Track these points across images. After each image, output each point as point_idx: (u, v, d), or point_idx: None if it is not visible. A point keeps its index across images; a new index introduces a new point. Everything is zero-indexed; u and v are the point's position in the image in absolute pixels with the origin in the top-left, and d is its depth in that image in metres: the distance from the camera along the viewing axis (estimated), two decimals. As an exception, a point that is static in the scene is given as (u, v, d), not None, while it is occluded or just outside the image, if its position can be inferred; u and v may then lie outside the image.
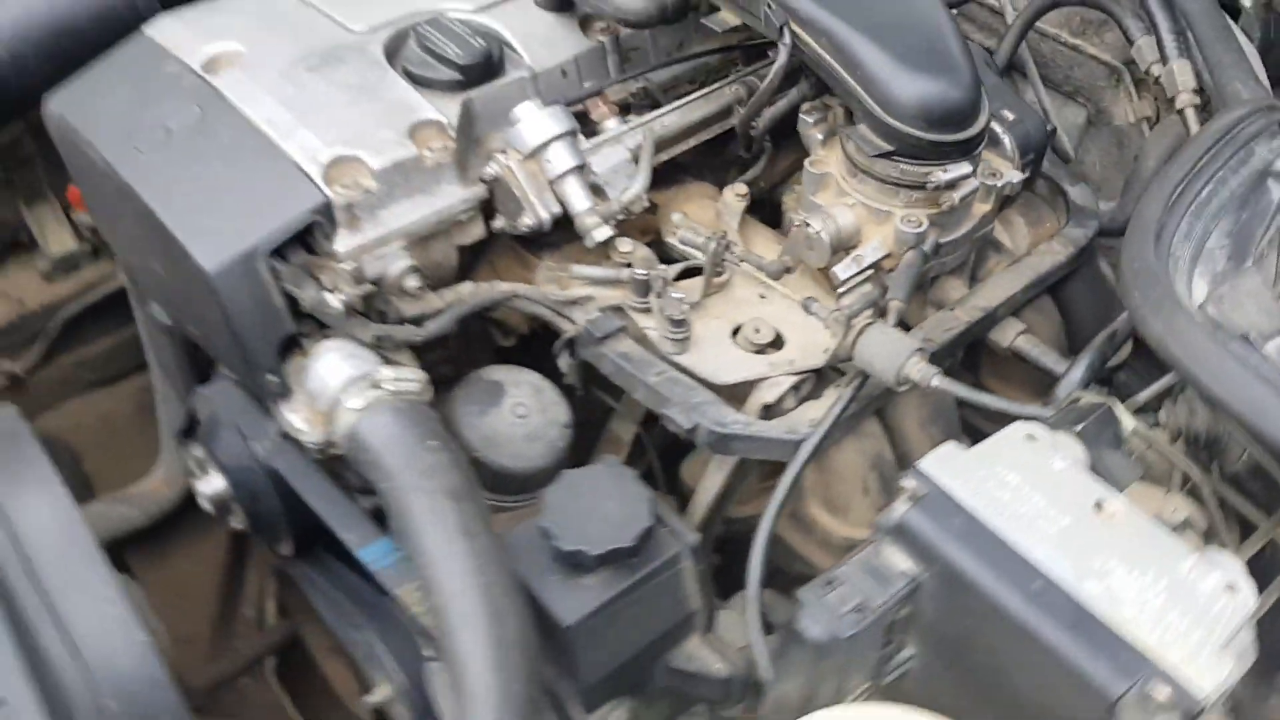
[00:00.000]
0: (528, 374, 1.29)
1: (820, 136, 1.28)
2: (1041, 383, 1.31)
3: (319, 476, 1.23)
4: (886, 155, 1.18)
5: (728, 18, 1.33)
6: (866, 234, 1.22)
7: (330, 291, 1.15)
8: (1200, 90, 1.34)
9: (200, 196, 1.17)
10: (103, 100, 1.31)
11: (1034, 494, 0.86)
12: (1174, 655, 0.77)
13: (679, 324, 1.17)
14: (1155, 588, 0.80)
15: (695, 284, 1.26)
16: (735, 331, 1.23)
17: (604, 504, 1.06)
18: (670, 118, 1.34)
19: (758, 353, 1.21)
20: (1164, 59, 1.36)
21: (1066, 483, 0.88)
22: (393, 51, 1.32)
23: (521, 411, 1.26)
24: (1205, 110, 1.33)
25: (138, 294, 1.56)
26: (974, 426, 1.32)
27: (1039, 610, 0.80)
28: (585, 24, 1.39)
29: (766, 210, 1.41)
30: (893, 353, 1.07)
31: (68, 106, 1.32)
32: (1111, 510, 0.86)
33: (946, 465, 0.86)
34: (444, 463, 1.04)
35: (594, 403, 1.33)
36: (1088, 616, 0.79)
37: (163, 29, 1.35)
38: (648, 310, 1.23)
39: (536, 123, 1.23)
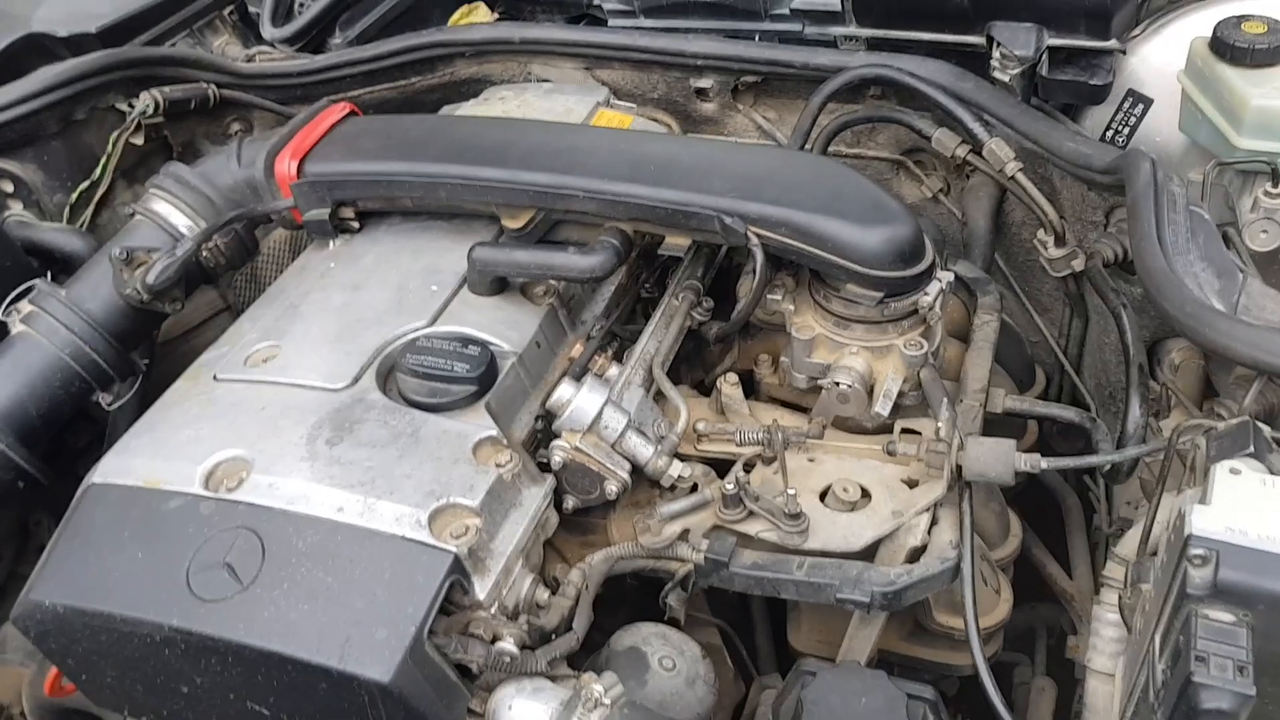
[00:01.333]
0: (642, 627, 1.33)
1: (792, 308, 1.44)
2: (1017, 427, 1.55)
3: None
4: (882, 301, 1.35)
5: (677, 242, 1.45)
6: (878, 371, 1.39)
7: (497, 641, 1.14)
8: (1017, 157, 1.63)
9: (322, 615, 1.11)
10: (106, 568, 1.20)
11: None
12: None
13: (797, 517, 1.27)
14: None
15: (766, 475, 1.37)
16: (822, 498, 1.34)
17: (858, 704, 1.13)
18: (650, 344, 1.44)
19: (852, 510, 1.33)
20: (977, 141, 1.65)
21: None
22: (388, 392, 1.32)
23: (668, 664, 1.30)
24: (1029, 172, 1.63)
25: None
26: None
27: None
28: (526, 291, 1.46)
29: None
30: (999, 456, 1.24)
31: (61, 591, 1.20)
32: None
33: (1212, 521, 0.99)
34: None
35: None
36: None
37: (114, 471, 1.27)
38: (747, 517, 1.31)
39: (585, 399, 1.29)
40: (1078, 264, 1.65)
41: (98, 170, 1.72)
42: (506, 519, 1.22)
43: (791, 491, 1.28)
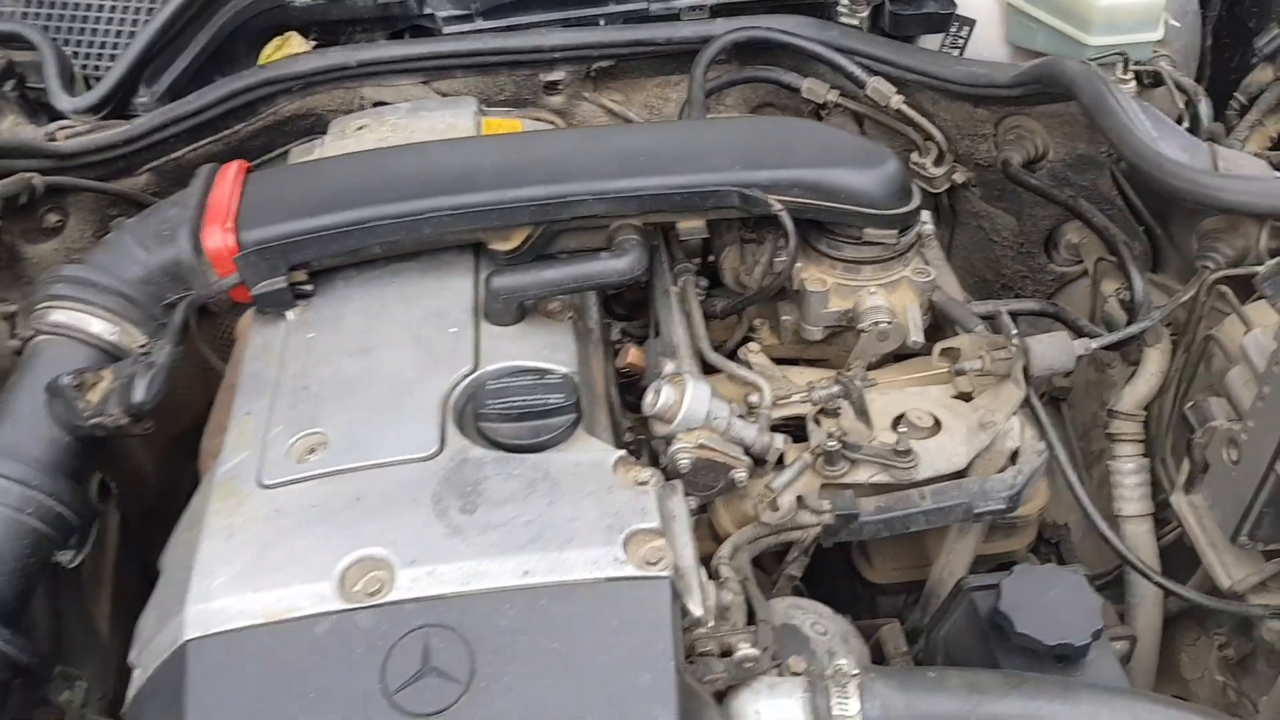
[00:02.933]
0: (773, 603, 1.36)
1: (800, 264, 1.50)
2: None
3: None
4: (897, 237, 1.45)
5: (692, 225, 1.45)
6: (896, 304, 1.49)
7: (729, 653, 1.13)
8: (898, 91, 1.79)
9: (571, 683, 1.04)
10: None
11: None
12: None
13: (907, 453, 1.35)
14: None
15: (832, 428, 1.43)
16: (895, 429, 1.43)
17: (1056, 601, 1.23)
18: (680, 332, 1.45)
19: (930, 435, 1.42)
20: (859, 83, 1.79)
21: None
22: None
23: (820, 628, 1.34)
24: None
25: None
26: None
27: None
28: (544, 310, 1.41)
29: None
30: (1060, 347, 1.39)
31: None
32: None
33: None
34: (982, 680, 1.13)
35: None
36: None
37: (209, 619, 1.09)
38: (849, 469, 1.37)
39: (696, 396, 1.28)
40: (958, 177, 1.85)
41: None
42: (672, 532, 1.19)
43: (903, 429, 1.35)
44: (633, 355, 1.40)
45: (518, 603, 1.08)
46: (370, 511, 1.16)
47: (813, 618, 1.34)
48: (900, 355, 1.55)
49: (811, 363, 1.58)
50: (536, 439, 1.23)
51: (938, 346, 1.48)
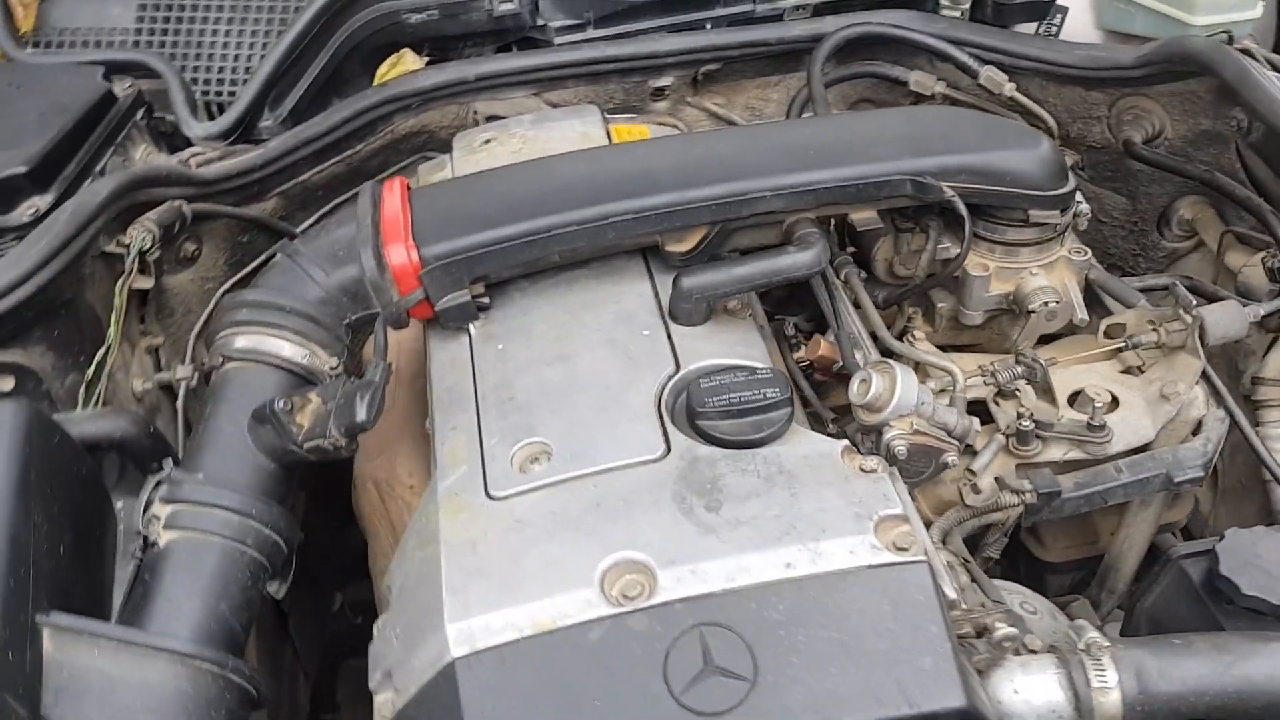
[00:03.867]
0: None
1: (958, 250, 1.51)
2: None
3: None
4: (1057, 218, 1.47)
5: (865, 216, 1.46)
6: (1057, 284, 1.51)
7: (986, 633, 1.14)
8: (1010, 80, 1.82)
9: (856, 670, 1.04)
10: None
11: None
12: None
13: (1101, 428, 1.37)
14: None
15: (1011, 407, 1.44)
16: (1073, 406, 1.44)
17: (1272, 561, 1.25)
18: (856, 322, 1.46)
19: (1109, 412, 1.44)
20: (973, 73, 1.81)
21: None
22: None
23: (1029, 607, 1.35)
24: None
25: None
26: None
27: None
28: (725, 309, 1.41)
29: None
30: (1233, 315, 1.41)
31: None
32: None
33: None
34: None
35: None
36: None
37: (472, 635, 1.08)
38: (1041, 446, 1.38)
39: (906, 383, 1.28)
40: (1068, 160, 1.88)
41: (111, 331, 1.38)
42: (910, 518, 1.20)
43: (1099, 405, 1.37)
44: (825, 348, 1.40)
45: (786, 596, 1.08)
46: (614, 515, 1.15)
47: (1019, 597, 1.35)
48: (1050, 336, 1.57)
49: (963, 348, 1.60)
50: (759, 434, 1.22)
51: (1103, 323, 1.50)
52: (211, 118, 1.70)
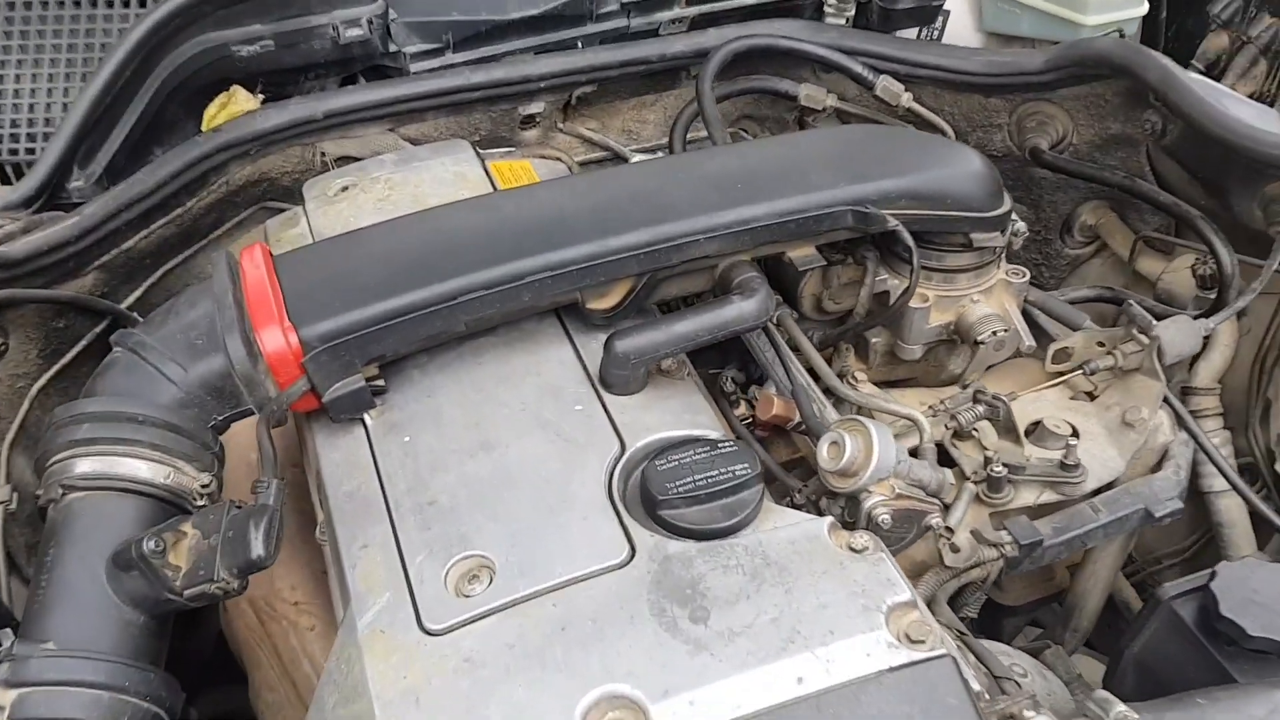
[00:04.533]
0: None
1: (898, 283, 1.39)
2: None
3: None
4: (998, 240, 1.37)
5: (804, 254, 1.31)
6: (997, 309, 1.41)
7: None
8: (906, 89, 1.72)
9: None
10: None
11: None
12: None
13: (1075, 467, 1.27)
14: None
15: (968, 449, 1.33)
16: (1031, 437, 1.34)
17: (1271, 596, 1.17)
18: (800, 374, 1.32)
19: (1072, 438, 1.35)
20: (868, 83, 1.71)
21: None
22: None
23: (1018, 669, 1.24)
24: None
25: None
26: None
27: None
28: (663, 372, 1.24)
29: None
30: (1188, 331, 1.34)
31: None
32: None
33: None
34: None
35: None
36: None
37: None
38: (1011, 491, 1.28)
39: (883, 444, 1.14)
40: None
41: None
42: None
43: (1073, 442, 1.26)
44: (778, 405, 1.25)
45: (804, 714, 0.93)
46: (584, 641, 0.97)
47: (1007, 658, 1.24)
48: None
49: (898, 383, 1.48)
50: (733, 519, 1.07)
51: (1051, 348, 1.41)
52: (9, 183, 1.41)
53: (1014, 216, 1.40)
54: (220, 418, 1.16)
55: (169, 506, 1.10)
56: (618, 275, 1.22)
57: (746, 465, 1.10)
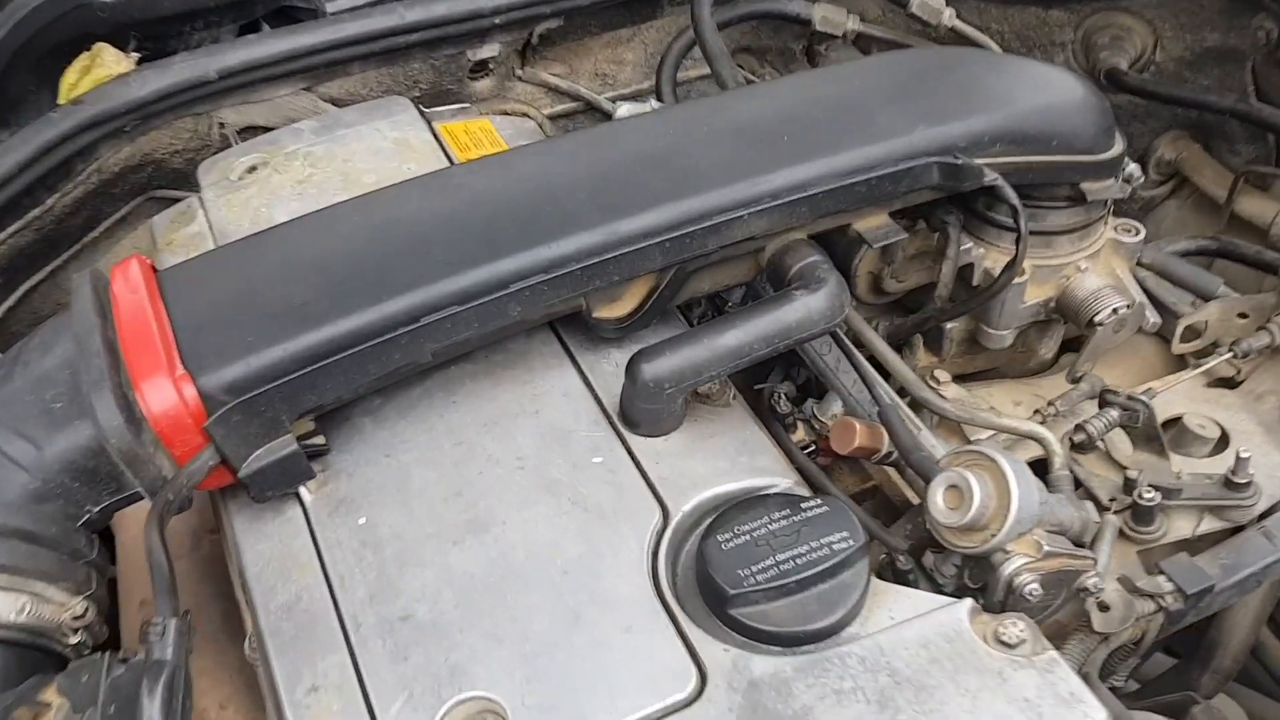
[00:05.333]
0: None
1: (984, 253, 1.09)
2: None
3: None
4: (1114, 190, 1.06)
5: (872, 224, 0.99)
6: (1110, 279, 1.11)
7: None
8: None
9: None
10: None
11: None
12: None
13: (1245, 485, 0.98)
14: None
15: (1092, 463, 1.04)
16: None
17: None
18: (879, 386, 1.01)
19: (1219, 445, 1.06)
20: (904, 2, 1.39)
21: None
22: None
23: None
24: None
25: None
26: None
27: None
28: (704, 398, 0.93)
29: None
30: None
31: None
32: None
33: None
34: None
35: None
36: None
37: None
38: (1163, 522, 0.99)
39: (1022, 483, 0.83)
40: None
41: None
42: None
43: (1244, 454, 0.97)
44: (861, 434, 0.93)
45: None
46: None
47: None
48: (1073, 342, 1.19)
49: (973, 377, 1.19)
50: (836, 615, 0.76)
51: (1180, 324, 1.11)
52: None
53: (1125, 160, 1.10)
54: (95, 510, 0.83)
55: (27, 652, 0.77)
56: (636, 271, 0.90)
57: (846, 534, 0.79)
